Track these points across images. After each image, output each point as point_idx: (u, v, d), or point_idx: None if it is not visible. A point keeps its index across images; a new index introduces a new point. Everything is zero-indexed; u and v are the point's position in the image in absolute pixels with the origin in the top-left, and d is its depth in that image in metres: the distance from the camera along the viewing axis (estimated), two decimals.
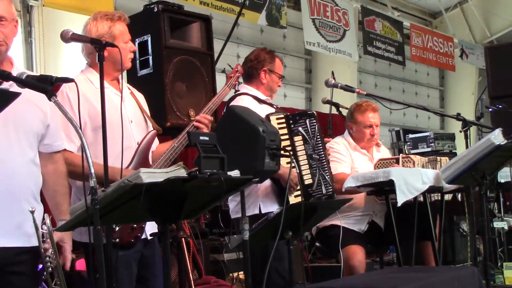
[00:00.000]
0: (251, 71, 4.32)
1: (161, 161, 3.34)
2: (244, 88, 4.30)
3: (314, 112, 4.19)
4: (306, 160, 4.10)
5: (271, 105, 4.27)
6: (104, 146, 2.83)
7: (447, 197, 5.22)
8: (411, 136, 8.72)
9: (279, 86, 4.38)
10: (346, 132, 5.11)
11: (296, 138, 4.10)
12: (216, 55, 5.50)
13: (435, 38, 14.32)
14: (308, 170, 4.10)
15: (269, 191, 4.05)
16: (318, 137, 4.12)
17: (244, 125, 3.44)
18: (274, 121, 4.05)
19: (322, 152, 4.13)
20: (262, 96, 4.27)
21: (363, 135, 5.00)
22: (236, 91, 4.17)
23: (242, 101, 4.10)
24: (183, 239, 4.77)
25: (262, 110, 4.12)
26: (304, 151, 4.10)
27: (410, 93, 15.78)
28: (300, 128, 4.10)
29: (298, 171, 3.96)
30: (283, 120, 4.11)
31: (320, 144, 4.12)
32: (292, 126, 4.11)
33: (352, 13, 12.19)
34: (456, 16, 15.95)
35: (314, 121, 4.12)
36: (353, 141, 5.03)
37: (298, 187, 4.00)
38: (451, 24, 15.53)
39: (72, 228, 2.52)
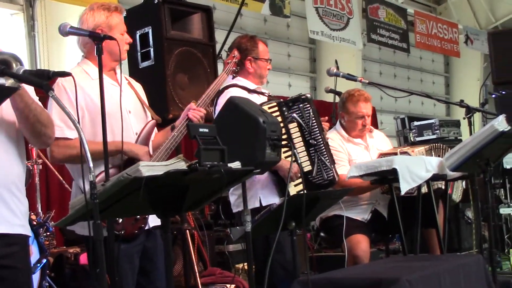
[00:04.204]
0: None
1: (162, 151, 3.31)
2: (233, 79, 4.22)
3: (308, 95, 4.07)
4: (304, 147, 4.01)
5: (262, 93, 4.18)
6: (104, 138, 2.83)
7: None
8: (416, 123, 8.65)
9: (268, 69, 4.25)
10: (338, 123, 5.02)
11: (291, 126, 4.00)
12: (219, 46, 5.49)
13: (440, 25, 14.25)
14: (307, 157, 4.01)
15: (268, 183, 3.97)
16: (314, 121, 4.00)
17: (244, 116, 3.40)
18: None
19: (319, 136, 4.01)
20: (252, 85, 4.16)
21: (355, 125, 4.91)
22: (234, 77, 4.11)
23: (230, 94, 3.96)
24: (187, 231, 4.79)
25: (253, 100, 3.97)
26: (300, 137, 4.01)
27: (415, 80, 15.72)
28: (294, 115, 4.00)
29: (298, 162, 3.89)
30: (276, 108, 3.99)
31: (317, 128, 4.01)
32: (285, 113, 4.00)
33: (356, 1, 12.13)
34: (460, 2, 15.88)
35: (308, 105, 4.01)
36: (345, 132, 4.94)
37: (299, 175, 3.90)
38: (455, 10, 15.45)
39: (72, 223, 2.51)
